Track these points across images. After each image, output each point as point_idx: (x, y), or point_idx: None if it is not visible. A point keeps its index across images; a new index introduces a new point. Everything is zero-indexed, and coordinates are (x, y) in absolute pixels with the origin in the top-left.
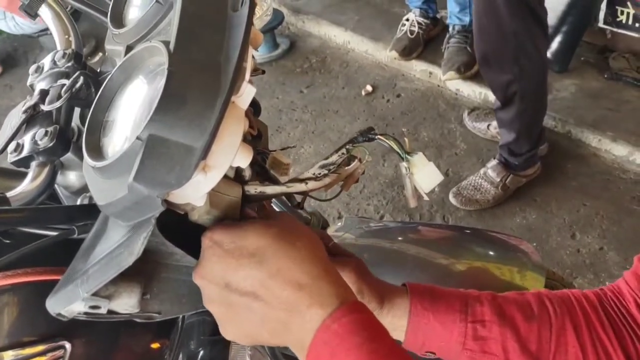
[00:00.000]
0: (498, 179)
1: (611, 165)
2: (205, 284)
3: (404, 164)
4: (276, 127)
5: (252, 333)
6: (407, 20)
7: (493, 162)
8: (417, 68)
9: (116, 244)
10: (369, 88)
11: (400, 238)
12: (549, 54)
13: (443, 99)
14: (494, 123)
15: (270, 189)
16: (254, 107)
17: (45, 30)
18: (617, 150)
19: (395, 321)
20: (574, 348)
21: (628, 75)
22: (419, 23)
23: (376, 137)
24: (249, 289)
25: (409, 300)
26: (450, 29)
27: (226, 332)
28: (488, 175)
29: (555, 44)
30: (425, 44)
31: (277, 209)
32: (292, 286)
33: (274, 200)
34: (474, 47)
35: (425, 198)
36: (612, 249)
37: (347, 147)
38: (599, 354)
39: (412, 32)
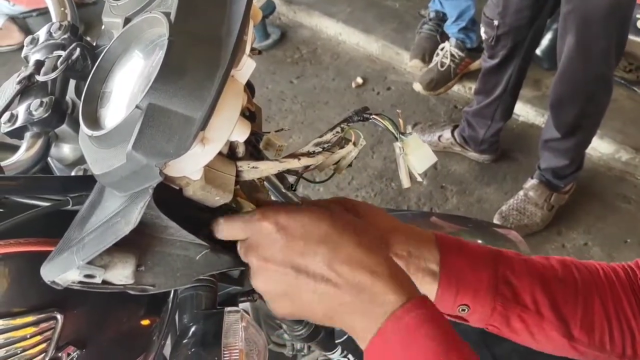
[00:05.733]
0: (542, 200)
1: (597, 162)
2: (266, 265)
3: (398, 144)
4: (265, 116)
5: (307, 312)
6: (442, 49)
7: (532, 182)
8: (408, 62)
9: (112, 213)
10: (359, 80)
11: None
12: (538, 51)
13: None
14: (445, 134)
15: (263, 165)
16: (249, 88)
17: (30, 12)
18: (603, 147)
19: (423, 264)
20: (600, 318)
21: (616, 75)
22: (452, 55)
23: (371, 116)
24: (318, 272)
25: (437, 243)
26: (430, 13)
27: (279, 308)
28: (530, 197)
29: (545, 41)
30: (460, 78)
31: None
32: (366, 272)
33: (266, 184)
34: (551, 90)
35: (419, 179)
36: (597, 245)
37: (342, 125)
38: (623, 330)
39: (442, 64)
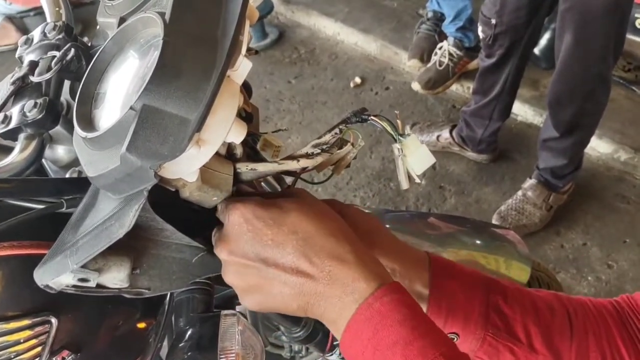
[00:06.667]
0: (540, 200)
1: (596, 162)
2: (235, 259)
3: (396, 146)
4: (263, 117)
5: (279, 304)
6: (440, 49)
7: (531, 182)
8: (407, 62)
9: (107, 216)
10: (357, 80)
11: (386, 225)
12: (536, 51)
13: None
14: (443, 134)
15: (261, 166)
16: (246, 89)
17: (28, 12)
18: (602, 147)
19: (408, 284)
20: (594, 353)
21: (614, 74)
22: (450, 54)
23: (369, 117)
24: (288, 264)
25: (430, 265)
26: (427, 13)
27: (250, 303)
28: (528, 197)
29: (543, 41)
30: (459, 77)
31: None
32: (337, 261)
33: (263, 184)
34: (550, 89)
35: (417, 180)
36: (595, 245)
37: (341, 127)
38: None
39: (441, 63)
